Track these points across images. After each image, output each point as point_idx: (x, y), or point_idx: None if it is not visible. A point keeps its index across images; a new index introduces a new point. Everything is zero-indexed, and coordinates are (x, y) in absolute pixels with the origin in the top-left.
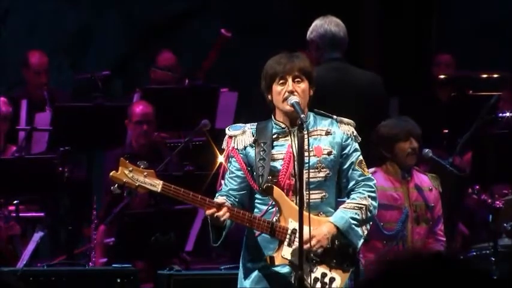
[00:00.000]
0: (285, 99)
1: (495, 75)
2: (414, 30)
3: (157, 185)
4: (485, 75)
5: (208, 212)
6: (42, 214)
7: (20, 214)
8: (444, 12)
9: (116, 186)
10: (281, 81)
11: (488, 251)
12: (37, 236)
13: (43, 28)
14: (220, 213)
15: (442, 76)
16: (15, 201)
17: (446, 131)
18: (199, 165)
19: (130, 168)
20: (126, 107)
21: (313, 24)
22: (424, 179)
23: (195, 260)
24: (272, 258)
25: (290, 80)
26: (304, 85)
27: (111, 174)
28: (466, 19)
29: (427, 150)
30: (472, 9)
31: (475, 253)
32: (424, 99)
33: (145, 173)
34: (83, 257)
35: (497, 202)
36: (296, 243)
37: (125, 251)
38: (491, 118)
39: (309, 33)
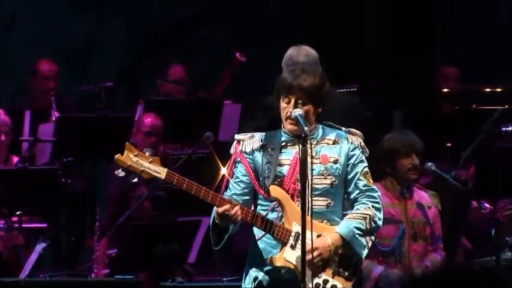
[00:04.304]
0: (287, 118)
1: (498, 89)
2: (419, 43)
3: (161, 171)
4: (488, 89)
5: (221, 209)
6: (44, 225)
7: (23, 225)
8: (449, 23)
9: (120, 169)
10: (286, 99)
11: (490, 265)
12: (39, 246)
13: (48, 37)
14: (232, 211)
15: (445, 90)
16: (18, 212)
17: (450, 144)
18: (202, 178)
19: (136, 153)
20: (130, 118)
21: (285, 55)
22: (423, 196)
23: (198, 272)
24: (274, 259)
25: (293, 101)
26: (307, 108)
27: (116, 157)
28: (472, 30)
29: (430, 163)
30: (477, 21)
31: (477, 267)
32: (428, 112)
33: (150, 159)
34: (85, 268)
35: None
36: (299, 247)
37: (128, 262)
38: (494, 132)
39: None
